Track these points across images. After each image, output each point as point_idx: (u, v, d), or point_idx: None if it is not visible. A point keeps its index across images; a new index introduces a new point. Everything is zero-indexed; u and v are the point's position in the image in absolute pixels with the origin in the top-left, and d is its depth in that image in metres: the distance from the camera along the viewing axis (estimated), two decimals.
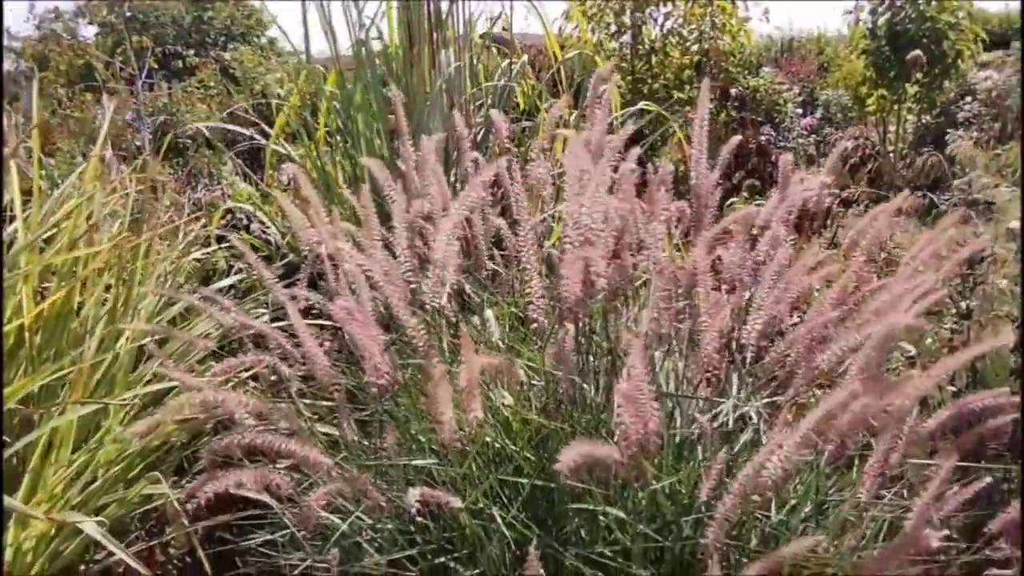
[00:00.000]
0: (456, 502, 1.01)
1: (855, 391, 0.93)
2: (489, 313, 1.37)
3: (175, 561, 1.86)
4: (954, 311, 1.91)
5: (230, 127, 3.70)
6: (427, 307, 1.18)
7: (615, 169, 1.31)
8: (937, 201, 3.39)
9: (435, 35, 2.56)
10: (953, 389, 1.74)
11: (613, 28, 5.77)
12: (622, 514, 1.09)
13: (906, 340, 1.77)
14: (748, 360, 1.24)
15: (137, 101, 5.22)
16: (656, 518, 1.15)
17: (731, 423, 1.26)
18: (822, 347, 1.14)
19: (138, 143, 4.40)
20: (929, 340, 1.77)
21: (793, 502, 1.25)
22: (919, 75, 5.73)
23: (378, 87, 2.51)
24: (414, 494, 0.96)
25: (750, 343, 1.15)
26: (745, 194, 3.55)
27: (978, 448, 1.46)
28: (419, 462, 1.20)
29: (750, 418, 1.31)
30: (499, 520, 1.09)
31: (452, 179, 2.32)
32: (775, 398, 1.29)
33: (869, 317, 1.15)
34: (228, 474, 0.99)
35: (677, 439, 1.31)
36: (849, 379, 1.09)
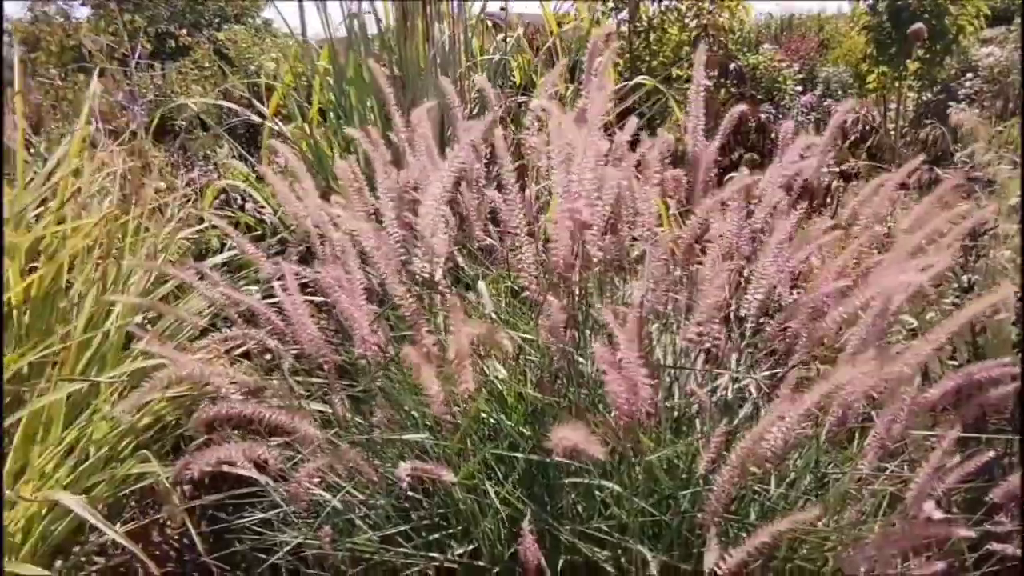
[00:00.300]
0: (448, 476, 0.99)
1: (861, 363, 0.91)
2: (482, 285, 1.34)
3: (172, 540, 1.85)
4: (955, 285, 1.89)
5: (224, 103, 3.65)
6: (418, 279, 1.15)
7: (610, 140, 1.28)
8: (941, 175, 3.36)
9: (428, 8, 2.51)
10: (955, 363, 1.72)
11: (611, 4, 5.69)
12: (619, 488, 1.07)
13: (908, 313, 1.75)
14: (747, 332, 1.22)
15: (131, 82, 5.16)
16: (654, 492, 1.13)
17: (730, 396, 1.24)
18: (823, 317, 1.11)
19: (133, 126, 4.35)
20: (931, 315, 1.74)
21: (793, 476, 1.23)
22: (920, 51, 5.67)
23: (371, 60, 2.47)
24: (405, 468, 0.94)
25: (750, 314, 1.13)
26: (745, 168, 3.51)
27: (979, 421, 1.44)
28: (411, 437, 1.18)
29: (749, 392, 1.29)
30: (493, 496, 1.07)
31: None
32: (775, 371, 1.27)
33: (871, 286, 1.12)
34: (216, 449, 0.97)
35: (675, 412, 1.29)
36: (852, 350, 1.07)
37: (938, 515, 1.07)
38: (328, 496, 1.17)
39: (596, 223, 1.04)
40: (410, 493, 1.13)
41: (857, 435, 1.28)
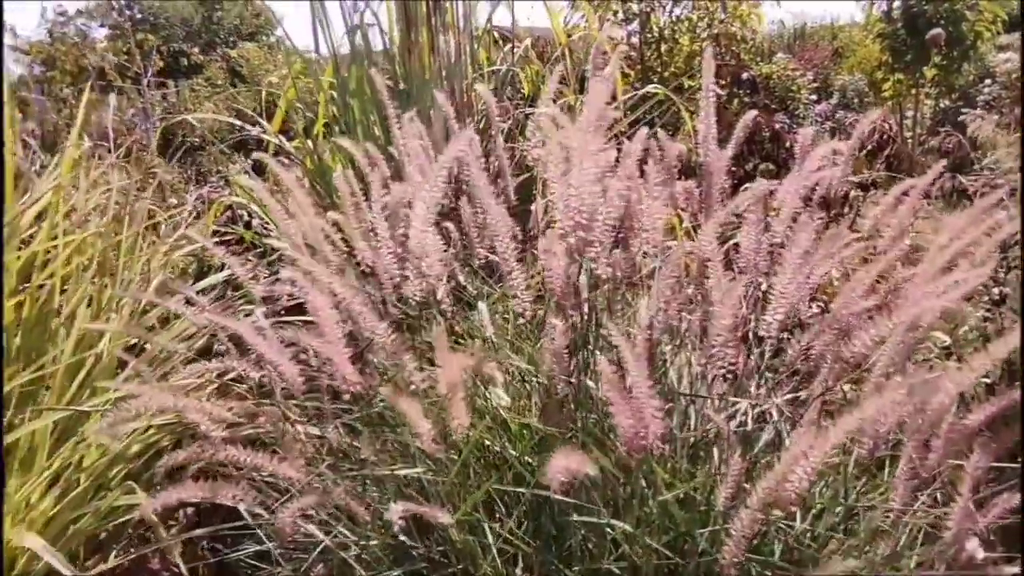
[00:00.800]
0: (445, 517, 0.91)
1: (893, 394, 0.82)
2: (483, 306, 1.27)
3: (172, 568, 1.79)
4: (987, 297, 1.79)
5: (230, 120, 3.62)
6: (411, 301, 1.08)
7: (618, 149, 1.21)
8: (964, 182, 3.26)
9: (433, 19, 2.46)
10: (987, 381, 1.63)
11: (620, 16, 5.63)
12: (629, 527, 0.98)
13: (940, 329, 1.66)
14: (767, 353, 1.14)
15: (144, 99, 5.16)
16: (668, 530, 1.04)
17: (750, 423, 1.15)
18: (849, 338, 1.03)
19: (144, 142, 4.33)
20: (964, 329, 1.65)
21: (820, 507, 1.14)
22: (937, 57, 5.57)
23: (372, 72, 2.42)
24: (396, 510, 0.86)
25: (769, 334, 1.04)
26: (762, 179, 3.42)
27: (1015, 448, 1.34)
28: (406, 471, 1.10)
29: (770, 416, 1.21)
30: (490, 536, 0.98)
31: None
32: (797, 394, 1.18)
33: (902, 309, 1.04)
34: (179, 489, 0.90)
35: (691, 439, 1.21)
36: (879, 372, 0.98)
37: (981, 554, 0.98)
38: (320, 534, 1.09)
39: (599, 239, 0.96)
40: (402, 537, 1.05)
41: (888, 462, 1.20)
